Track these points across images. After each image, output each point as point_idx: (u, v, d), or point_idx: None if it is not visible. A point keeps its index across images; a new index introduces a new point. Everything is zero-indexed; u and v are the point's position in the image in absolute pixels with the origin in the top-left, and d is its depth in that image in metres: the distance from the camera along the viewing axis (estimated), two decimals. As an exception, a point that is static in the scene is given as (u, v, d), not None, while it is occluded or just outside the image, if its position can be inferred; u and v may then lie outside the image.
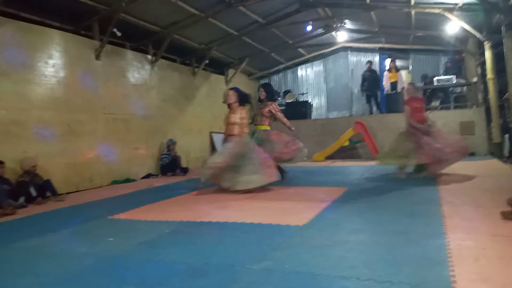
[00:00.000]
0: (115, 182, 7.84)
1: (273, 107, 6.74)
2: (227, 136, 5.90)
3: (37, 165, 6.10)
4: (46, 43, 6.80)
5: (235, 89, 6.11)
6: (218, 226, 3.85)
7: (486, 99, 9.94)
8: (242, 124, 5.83)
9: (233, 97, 5.92)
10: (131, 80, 8.76)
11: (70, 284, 2.51)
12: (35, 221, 4.65)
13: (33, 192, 5.69)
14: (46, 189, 6.00)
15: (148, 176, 8.76)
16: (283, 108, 12.94)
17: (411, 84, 7.23)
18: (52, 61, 6.86)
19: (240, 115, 5.84)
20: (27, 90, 6.42)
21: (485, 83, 9.79)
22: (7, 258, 3.19)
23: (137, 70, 8.96)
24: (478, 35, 9.05)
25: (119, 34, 7.99)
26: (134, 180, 8.24)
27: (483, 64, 9.74)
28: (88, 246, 3.39)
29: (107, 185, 7.67)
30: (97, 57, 7.75)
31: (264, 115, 6.70)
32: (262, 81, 15.46)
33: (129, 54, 8.83)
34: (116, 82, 8.30)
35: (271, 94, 6.94)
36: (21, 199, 5.47)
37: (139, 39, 9.07)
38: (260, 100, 6.91)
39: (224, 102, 6.00)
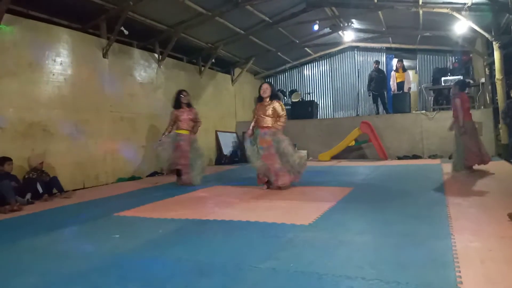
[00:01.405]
0: (120, 180, 7.88)
1: (195, 111, 7.08)
2: (261, 128, 5.85)
3: (44, 162, 6.14)
4: (54, 41, 6.85)
5: (269, 83, 6.21)
6: (223, 225, 3.85)
7: (494, 100, 9.86)
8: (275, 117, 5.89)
9: (267, 91, 5.94)
10: (138, 79, 8.80)
11: (75, 282, 2.51)
12: (41, 218, 4.69)
13: (40, 189, 5.73)
14: (52, 186, 6.03)
15: (153, 174, 8.79)
16: (288, 107, 12.97)
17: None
18: (60, 59, 6.91)
19: (273, 109, 5.85)
20: (35, 88, 6.46)
21: (493, 84, 9.71)
22: (13, 255, 3.21)
23: (144, 69, 9.00)
24: (486, 35, 8.97)
25: (126, 32, 8.03)
26: (139, 178, 8.27)
27: (491, 64, 9.66)
28: (93, 244, 3.41)
29: (112, 183, 7.70)
30: (104, 55, 7.79)
31: (190, 120, 6.90)
32: (268, 80, 15.50)
33: (136, 52, 8.86)
34: (123, 80, 8.33)
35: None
36: (28, 196, 5.51)
37: (146, 38, 9.10)
38: (179, 105, 6.97)
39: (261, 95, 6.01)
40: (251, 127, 6.00)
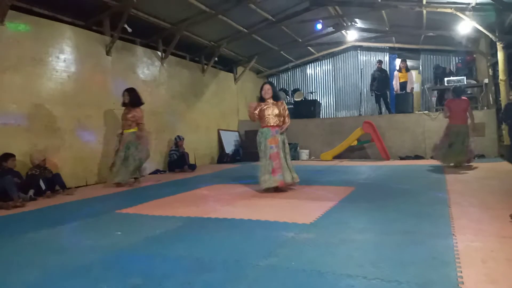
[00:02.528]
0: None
1: (138, 112, 6.90)
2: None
3: (46, 158, 6.16)
4: (58, 38, 6.86)
5: (271, 84, 6.08)
6: (224, 222, 3.86)
7: (497, 101, 9.83)
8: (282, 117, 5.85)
9: (270, 92, 5.87)
10: (141, 76, 8.81)
11: (78, 277, 2.53)
12: (44, 214, 4.71)
13: (42, 185, 5.75)
14: (55, 183, 6.05)
15: (156, 172, 8.81)
16: (291, 106, 12.97)
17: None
18: (63, 56, 6.92)
19: (278, 109, 5.80)
20: (38, 84, 6.48)
21: (496, 85, 9.68)
22: (16, 250, 3.23)
23: (147, 66, 9.01)
24: (490, 35, 8.94)
25: (129, 30, 8.03)
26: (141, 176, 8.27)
27: (495, 65, 9.63)
28: (95, 240, 3.43)
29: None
30: (108, 52, 7.81)
31: (129, 119, 6.83)
32: (270, 79, 15.48)
33: (139, 50, 8.87)
34: (126, 77, 8.34)
35: (136, 99, 7.00)
36: (31, 192, 5.53)
37: (149, 35, 9.11)
38: (124, 104, 6.97)
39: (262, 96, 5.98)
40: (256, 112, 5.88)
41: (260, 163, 5.65)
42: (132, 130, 6.85)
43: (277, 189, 5.55)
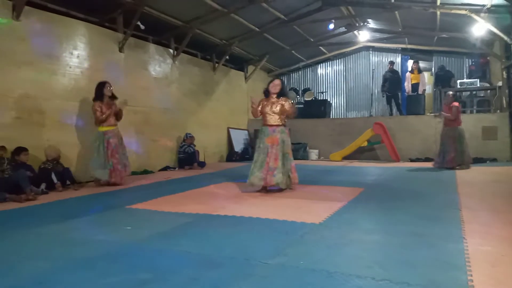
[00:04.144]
0: (133, 173, 7.93)
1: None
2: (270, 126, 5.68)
3: (60, 154, 6.24)
4: (71, 34, 6.93)
5: (282, 80, 5.88)
6: (233, 220, 3.88)
7: (511, 104, 9.70)
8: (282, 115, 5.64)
9: (277, 88, 5.64)
10: (153, 74, 8.87)
11: (85, 269, 2.56)
12: (55, 207, 4.77)
13: (54, 179, 5.82)
14: (65, 177, 6.12)
15: (165, 168, 8.86)
16: (301, 106, 12.95)
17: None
18: (77, 52, 7.00)
19: (281, 106, 5.57)
20: (52, 80, 6.56)
21: (510, 88, 9.55)
22: (27, 242, 3.28)
23: (159, 64, 9.06)
24: (505, 38, 8.82)
25: (142, 27, 8.07)
26: (152, 172, 8.34)
27: (509, 68, 9.51)
28: (104, 234, 3.47)
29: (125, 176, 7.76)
30: (120, 49, 7.87)
31: (116, 114, 6.64)
32: (282, 78, 15.42)
33: (152, 47, 8.92)
34: (138, 74, 8.40)
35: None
36: (43, 186, 5.60)
37: (162, 33, 9.15)
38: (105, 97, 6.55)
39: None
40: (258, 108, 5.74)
41: (253, 159, 5.64)
42: (116, 126, 6.64)
43: (266, 189, 5.51)
